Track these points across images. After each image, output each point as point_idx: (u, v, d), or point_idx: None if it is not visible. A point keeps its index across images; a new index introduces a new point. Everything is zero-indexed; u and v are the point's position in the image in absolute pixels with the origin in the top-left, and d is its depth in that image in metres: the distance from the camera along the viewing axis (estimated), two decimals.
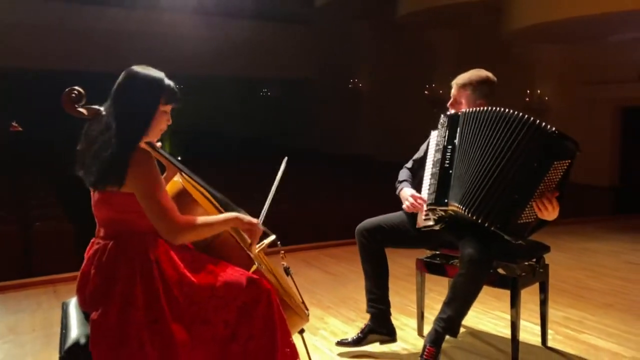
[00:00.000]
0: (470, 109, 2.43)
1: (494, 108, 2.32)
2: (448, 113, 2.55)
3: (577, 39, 9.25)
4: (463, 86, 2.58)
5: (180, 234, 1.75)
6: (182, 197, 1.87)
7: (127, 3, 11.92)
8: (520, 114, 2.24)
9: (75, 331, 1.70)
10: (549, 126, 2.17)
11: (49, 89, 13.72)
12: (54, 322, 3.05)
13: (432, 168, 2.51)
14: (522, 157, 2.19)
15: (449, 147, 2.44)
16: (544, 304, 2.67)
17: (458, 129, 2.44)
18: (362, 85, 14.56)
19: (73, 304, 1.90)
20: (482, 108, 2.38)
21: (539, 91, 10.41)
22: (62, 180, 9.35)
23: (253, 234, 1.93)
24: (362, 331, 2.69)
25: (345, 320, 3.09)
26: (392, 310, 2.74)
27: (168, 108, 1.85)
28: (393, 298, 2.78)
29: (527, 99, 10.38)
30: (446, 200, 2.38)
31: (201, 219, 1.80)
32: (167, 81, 1.82)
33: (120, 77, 1.80)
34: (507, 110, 2.28)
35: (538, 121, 2.19)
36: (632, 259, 4.60)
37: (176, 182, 1.91)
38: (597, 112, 9.71)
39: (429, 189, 2.47)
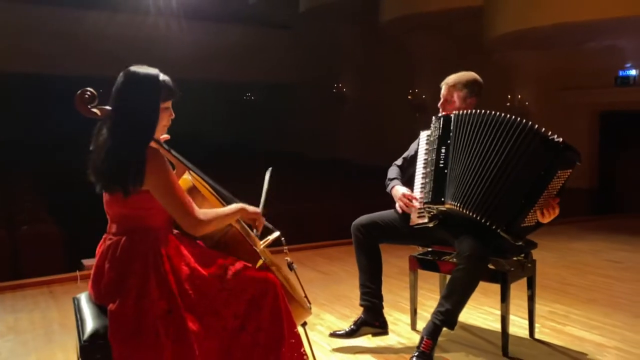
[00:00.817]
0: (463, 111, 2.55)
1: (488, 111, 2.44)
2: (440, 115, 2.65)
3: (555, 46, 9.49)
4: (453, 86, 2.70)
5: (201, 226, 1.84)
6: (193, 193, 1.94)
7: (111, 6, 11.88)
8: (521, 119, 2.36)
9: (92, 322, 1.76)
10: (555, 136, 2.30)
11: (34, 92, 13.66)
12: (53, 321, 3.09)
13: (424, 168, 2.61)
14: (527, 163, 2.32)
15: (443, 147, 2.54)
16: (531, 298, 2.79)
17: (451, 130, 2.54)
18: (346, 90, 14.69)
19: (84, 298, 1.96)
20: (475, 110, 2.49)
21: (519, 96, 10.66)
22: (48, 184, 9.31)
23: (258, 223, 2.04)
24: (355, 323, 2.78)
25: (340, 316, 3.18)
26: (385, 307, 2.85)
27: (168, 104, 1.91)
28: (386, 295, 2.88)
29: (508, 104, 10.61)
30: (443, 199, 2.48)
31: (215, 211, 1.88)
32: (162, 77, 1.88)
33: (119, 78, 1.85)
34: (503, 114, 2.39)
35: (543, 130, 2.32)
36: (613, 257, 4.77)
37: (186, 179, 1.98)
38: (576, 116, 9.97)
39: (423, 188, 2.57)
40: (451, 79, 2.73)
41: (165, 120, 1.92)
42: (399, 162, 2.93)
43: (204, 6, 12.41)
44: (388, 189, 2.83)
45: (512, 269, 2.60)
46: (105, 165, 1.79)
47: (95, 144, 1.88)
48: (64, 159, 11.41)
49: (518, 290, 2.84)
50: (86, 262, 4.05)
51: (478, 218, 2.38)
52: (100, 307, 1.83)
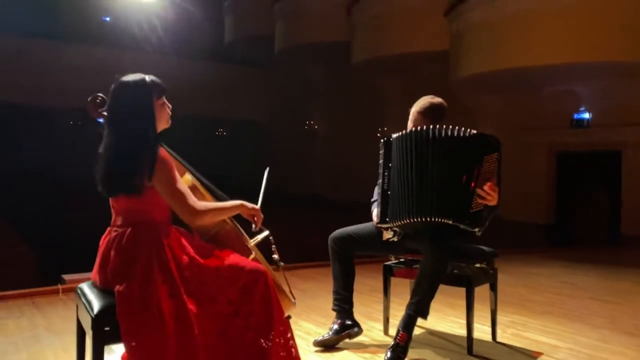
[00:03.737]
0: (401, 133, 2.76)
1: (419, 128, 2.70)
2: (383, 139, 2.85)
3: (515, 89, 10.11)
4: (420, 112, 2.91)
5: (199, 215, 2.03)
6: (193, 191, 2.16)
7: (89, 40, 12.14)
8: (444, 127, 2.64)
9: (99, 301, 1.93)
10: (469, 130, 2.62)
11: (5, 120, 13.59)
12: (39, 326, 3.19)
13: (377, 191, 2.87)
14: (454, 159, 2.60)
15: (386, 171, 2.78)
16: (494, 303, 3.05)
17: (393, 152, 2.77)
18: (318, 127, 15.12)
19: (86, 286, 2.11)
20: (409, 130, 2.74)
21: None
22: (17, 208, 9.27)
23: (257, 218, 2.25)
24: (339, 325, 2.92)
25: (316, 323, 3.37)
26: (359, 317, 3.04)
27: (162, 99, 2.10)
28: (359, 308, 3.10)
29: None
30: (387, 219, 2.74)
31: (214, 204, 2.10)
32: (149, 78, 2.07)
33: (111, 90, 2.04)
34: (432, 127, 2.66)
35: (462, 130, 2.62)
36: (567, 279, 5.11)
37: (187, 178, 2.21)
38: (535, 155, 10.53)
39: (376, 210, 2.84)
40: (419, 104, 2.96)
41: (165, 114, 2.11)
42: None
43: (181, 44, 12.79)
44: (371, 210, 3.02)
45: (475, 274, 2.86)
46: (109, 172, 1.98)
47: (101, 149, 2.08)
48: (31, 188, 11.42)
49: (481, 304, 3.09)
50: (67, 277, 4.14)
51: (426, 219, 2.61)
52: (105, 290, 2.00)
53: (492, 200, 2.57)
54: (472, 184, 2.57)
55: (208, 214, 2.08)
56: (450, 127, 2.65)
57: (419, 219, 2.64)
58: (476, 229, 2.62)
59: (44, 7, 13.41)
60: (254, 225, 2.25)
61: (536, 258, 6.54)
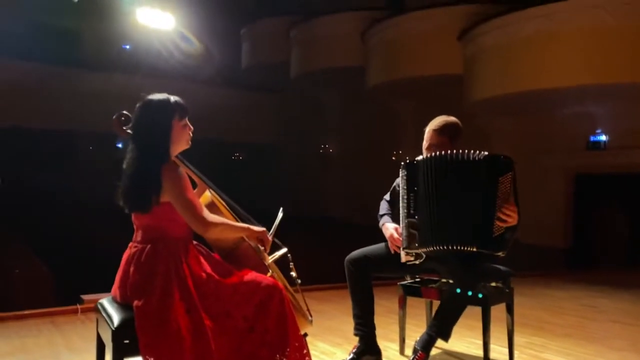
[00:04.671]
0: (425, 156, 2.77)
1: (444, 152, 2.69)
2: (406, 162, 2.83)
3: (530, 111, 10.10)
4: (436, 130, 2.92)
5: (208, 227, 2.04)
6: (212, 208, 2.20)
7: (109, 67, 12.45)
8: (460, 151, 2.64)
9: (119, 315, 1.97)
10: (480, 152, 2.61)
11: (28, 145, 13.88)
12: (58, 344, 3.22)
13: (402, 213, 2.79)
14: (470, 184, 2.60)
15: (412, 194, 2.75)
16: (510, 323, 3.02)
17: (419, 176, 2.74)
18: (332, 151, 15.19)
19: (107, 301, 2.15)
20: (435, 153, 2.73)
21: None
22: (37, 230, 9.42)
23: (264, 242, 2.25)
24: (355, 353, 2.93)
25: (332, 344, 3.37)
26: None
27: (185, 121, 2.16)
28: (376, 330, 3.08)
29: None
30: (417, 245, 2.71)
31: (223, 219, 2.13)
32: (173, 98, 2.14)
33: (136, 107, 2.13)
34: (450, 151, 2.66)
35: (473, 153, 2.61)
36: (587, 302, 5.03)
37: (206, 195, 2.26)
38: (552, 178, 10.45)
39: (402, 233, 2.78)
40: (434, 123, 2.96)
41: (186, 135, 2.17)
42: (387, 196, 3.17)
43: (198, 69, 13.05)
44: (380, 225, 3.07)
45: (491, 292, 2.85)
46: (129, 187, 2.05)
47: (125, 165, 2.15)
48: (51, 210, 11.59)
49: (498, 325, 3.06)
50: (85, 297, 4.19)
51: (451, 248, 2.61)
52: (125, 305, 2.04)
53: (513, 220, 2.55)
54: (491, 209, 2.55)
55: (217, 227, 2.09)
56: (465, 150, 2.64)
57: (443, 247, 2.63)
58: (499, 253, 2.60)
59: (65, 36, 13.83)
60: (262, 247, 2.24)
61: (556, 281, 6.45)
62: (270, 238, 2.29)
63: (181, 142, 2.18)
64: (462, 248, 2.60)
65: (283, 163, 16.74)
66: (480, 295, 2.71)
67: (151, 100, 2.13)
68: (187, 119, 2.18)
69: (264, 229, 2.26)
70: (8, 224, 9.83)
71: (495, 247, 2.58)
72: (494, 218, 2.55)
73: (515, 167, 2.60)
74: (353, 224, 11.94)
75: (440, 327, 2.60)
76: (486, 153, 2.62)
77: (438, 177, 2.67)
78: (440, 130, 2.91)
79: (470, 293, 2.62)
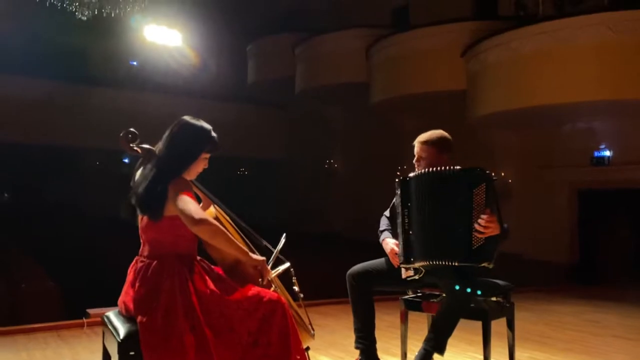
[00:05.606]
0: (418, 172, 2.83)
1: (431, 169, 2.75)
2: (400, 178, 2.89)
3: (534, 126, 10.14)
4: (424, 143, 2.96)
5: (201, 223, 2.04)
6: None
7: (117, 83, 12.63)
8: (445, 168, 2.69)
9: (124, 327, 2.02)
10: (454, 168, 2.66)
11: (35, 160, 14.05)
12: (65, 356, 3.28)
13: (399, 229, 2.85)
14: (448, 199, 2.66)
15: (405, 210, 2.81)
16: (511, 338, 3.04)
17: (412, 192, 2.80)
18: (337, 166, 15.26)
19: (113, 314, 2.21)
20: (424, 170, 2.79)
21: (502, 174, 11.19)
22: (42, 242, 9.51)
23: (263, 272, 2.21)
24: None
25: (334, 358, 3.41)
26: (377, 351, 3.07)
27: (208, 155, 2.26)
28: (377, 344, 3.11)
29: None
30: (412, 259, 2.76)
31: (224, 230, 2.12)
32: (214, 134, 2.25)
33: (174, 125, 2.22)
34: (439, 168, 2.71)
35: (450, 169, 2.67)
36: (590, 317, 5.04)
37: (211, 211, 2.32)
38: (556, 193, 10.44)
39: (399, 249, 2.83)
40: (422, 137, 3.00)
41: (201, 167, 2.27)
42: (387, 212, 3.20)
43: (205, 85, 13.20)
44: (380, 240, 3.11)
45: (491, 306, 2.88)
46: (145, 191, 2.11)
47: (136, 178, 2.22)
48: (58, 224, 11.69)
49: (499, 339, 3.09)
50: (91, 311, 4.24)
51: (437, 263, 2.66)
52: (130, 318, 2.10)
53: (492, 230, 2.57)
54: (467, 221, 2.60)
55: (211, 227, 2.06)
56: (446, 166, 2.70)
57: (432, 262, 2.69)
58: (484, 264, 2.62)
59: (73, 53, 14.02)
60: (260, 280, 2.22)
61: (559, 296, 6.46)
62: (269, 268, 2.30)
63: (194, 173, 2.27)
64: (446, 263, 2.65)
65: (287, 178, 16.81)
66: (479, 292, 2.73)
67: (193, 125, 2.22)
68: (209, 155, 2.25)
69: (263, 258, 2.23)
70: (16, 238, 9.92)
71: (477, 259, 2.61)
72: (472, 230, 2.59)
73: (491, 176, 2.63)
74: (358, 239, 11.93)
75: (436, 341, 2.63)
76: (459, 167, 2.68)
77: (425, 193, 2.74)
78: (425, 142, 2.95)
79: (469, 290, 2.65)
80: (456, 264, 2.63)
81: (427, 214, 2.72)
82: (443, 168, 2.70)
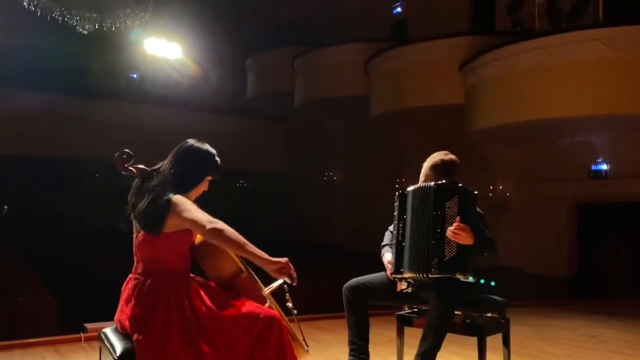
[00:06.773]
0: (414, 186, 2.94)
1: (424, 184, 2.89)
2: (399, 192, 3.00)
3: (532, 140, 10.19)
4: (429, 167, 3.04)
5: (213, 226, 2.09)
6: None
7: (117, 96, 12.71)
8: (427, 183, 2.86)
9: (121, 344, 2.04)
10: (429, 184, 2.83)
11: (36, 173, 14.10)
12: None
13: (394, 240, 2.96)
14: (425, 213, 2.80)
15: (401, 222, 2.92)
16: (506, 354, 3.05)
17: (408, 205, 2.92)
18: (336, 179, 15.29)
19: (110, 330, 2.22)
20: (419, 185, 2.92)
21: (500, 187, 11.22)
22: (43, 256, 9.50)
23: (286, 270, 2.18)
24: None
25: None
26: None
27: (209, 178, 2.32)
28: (374, 359, 3.12)
29: (490, 194, 11.16)
30: (402, 270, 2.85)
31: (235, 232, 2.15)
32: (217, 157, 2.30)
33: (182, 146, 2.26)
34: (427, 183, 2.87)
35: (427, 185, 2.83)
36: (588, 332, 5.04)
37: None
38: (554, 207, 10.46)
39: (391, 260, 2.92)
40: (430, 160, 3.08)
41: (201, 190, 2.32)
42: (391, 227, 3.26)
43: (205, 98, 13.28)
44: (381, 255, 3.14)
45: (487, 323, 2.90)
46: (148, 204, 2.14)
47: (135, 196, 2.24)
48: (57, 237, 11.69)
49: (495, 355, 3.10)
50: (89, 325, 4.24)
51: (418, 275, 2.76)
52: (127, 335, 2.11)
53: (463, 239, 2.65)
54: (441, 233, 2.71)
55: (218, 229, 2.09)
56: (427, 183, 2.85)
57: (415, 274, 2.79)
58: (458, 275, 2.68)
59: (74, 66, 14.13)
60: (284, 280, 2.23)
61: (557, 310, 6.45)
62: (267, 294, 2.33)
63: (195, 194, 2.31)
64: (424, 275, 2.74)
65: (287, 190, 16.84)
66: (470, 279, 2.72)
67: (199, 149, 2.28)
68: (211, 178, 2.32)
69: (286, 259, 2.18)
70: (14, 251, 9.92)
71: (449, 270, 2.69)
72: (444, 242, 2.70)
73: (466, 188, 2.78)
74: (358, 251, 11.95)
75: (424, 355, 2.66)
76: (433, 183, 2.82)
77: (415, 206, 2.86)
78: (433, 168, 3.04)
79: (471, 279, 2.70)
80: (431, 275, 2.71)
81: (416, 226, 2.84)
82: (427, 183, 2.86)
